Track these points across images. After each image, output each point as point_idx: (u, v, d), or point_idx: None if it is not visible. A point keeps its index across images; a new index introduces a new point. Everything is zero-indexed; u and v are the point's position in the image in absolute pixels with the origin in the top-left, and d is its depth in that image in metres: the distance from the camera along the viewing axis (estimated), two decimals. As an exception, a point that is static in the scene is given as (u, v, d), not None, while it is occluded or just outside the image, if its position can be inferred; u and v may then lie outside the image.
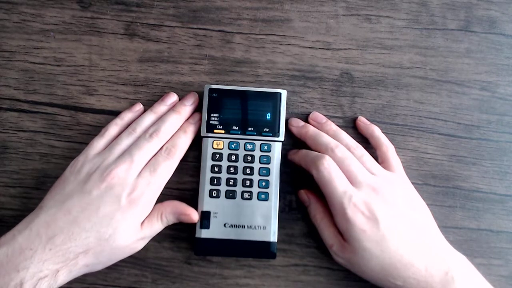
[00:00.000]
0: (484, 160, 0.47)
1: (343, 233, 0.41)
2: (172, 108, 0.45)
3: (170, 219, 0.43)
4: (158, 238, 0.45)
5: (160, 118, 0.45)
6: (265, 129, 0.44)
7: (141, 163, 0.42)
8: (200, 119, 0.45)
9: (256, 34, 0.49)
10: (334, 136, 0.45)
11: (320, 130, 0.45)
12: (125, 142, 0.43)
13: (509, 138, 0.48)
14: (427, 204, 0.43)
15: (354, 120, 0.47)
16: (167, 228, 0.45)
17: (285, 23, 0.49)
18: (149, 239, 0.43)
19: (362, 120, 0.47)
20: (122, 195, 0.40)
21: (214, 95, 0.45)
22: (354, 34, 0.49)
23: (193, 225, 0.43)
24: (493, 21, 0.49)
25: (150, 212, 0.42)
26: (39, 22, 0.48)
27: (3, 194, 0.46)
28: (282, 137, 0.45)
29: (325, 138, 0.44)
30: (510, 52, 0.49)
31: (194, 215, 0.43)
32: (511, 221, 0.47)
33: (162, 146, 0.43)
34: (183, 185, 0.46)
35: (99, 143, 0.43)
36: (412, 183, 0.45)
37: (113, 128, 0.44)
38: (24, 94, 0.47)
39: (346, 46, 0.49)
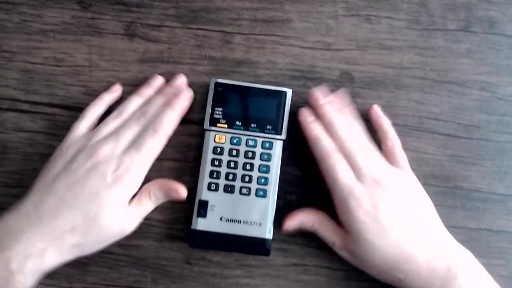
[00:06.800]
0: (484, 160, 0.47)
1: (345, 224, 0.41)
2: (161, 92, 0.45)
3: (158, 197, 0.43)
4: (158, 238, 0.45)
5: (149, 102, 0.45)
6: (268, 127, 0.45)
7: (126, 141, 0.42)
8: (190, 98, 0.45)
9: (256, 35, 0.49)
10: (347, 126, 0.44)
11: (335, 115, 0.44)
12: (111, 125, 0.43)
13: (509, 138, 0.48)
14: (427, 204, 0.43)
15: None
16: (167, 227, 0.45)
17: (285, 23, 0.49)
18: (140, 220, 0.42)
19: (375, 110, 0.46)
20: (107, 172, 0.40)
21: (220, 89, 0.45)
22: (354, 35, 0.49)
23: (191, 219, 0.43)
24: (493, 21, 0.50)
25: (139, 192, 0.42)
26: (39, 22, 0.48)
27: (3, 194, 0.46)
28: (284, 135, 0.45)
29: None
30: (510, 52, 0.49)
31: (182, 190, 0.43)
32: (511, 221, 0.47)
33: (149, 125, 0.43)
34: (185, 186, 0.46)
35: (81, 125, 0.44)
36: (413, 183, 0.45)
37: (92, 110, 0.45)
38: (24, 94, 0.47)
39: (346, 47, 0.49)
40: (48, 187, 0.39)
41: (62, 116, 0.47)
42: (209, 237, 0.43)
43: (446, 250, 0.40)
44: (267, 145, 0.44)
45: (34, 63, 0.48)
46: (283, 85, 0.48)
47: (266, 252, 0.43)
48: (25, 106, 0.47)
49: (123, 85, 0.47)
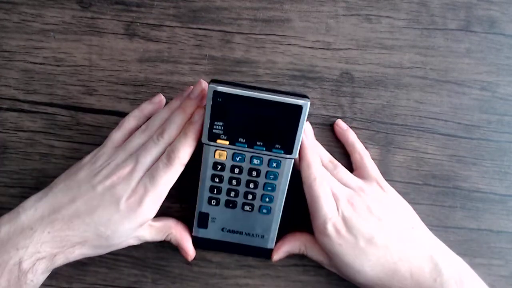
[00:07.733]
0: (484, 160, 0.47)
1: (324, 248, 0.42)
2: (181, 105, 0.43)
3: (171, 240, 0.43)
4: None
5: (168, 119, 0.42)
6: (277, 145, 0.38)
7: (145, 166, 0.40)
8: (203, 116, 0.39)
9: (256, 34, 0.49)
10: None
11: None
12: (137, 141, 0.42)
13: (509, 138, 0.48)
14: (427, 204, 0.43)
15: (354, 120, 0.47)
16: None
17: (285, 23, 0.49)
18: (144, 241, 0.43)
19: (339, 125, 0.47)
20: (122, 198, 0.39)
21: (219, 99, 0.37)
22: (354, 34, 0.49)
23: (190, 219, 0.43)
24: (493, 21, 0.49)
25: (163, 222, 0.43)
26: (39, 22, 0.48)
27: (3, 194, 0.46)
28: (295, 154, 0.39)
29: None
30: (510, 52, 0.49)
31: (190, 256, 0.43)
32: (511, 221, 0.47)
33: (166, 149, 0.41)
34: (183, 185, 0.46)
35: (116, 136, 0.43)
36: (412, 183, 0.45)
37: (130, 121, 0.44)
38: (24, 94, 0.47)
39: (346, 46, 0.49)
40: (68, 192, 0.39)
41: (62, 116, 0.47)
42: (210, 243, 0.43)
43: (431, 259, 0.40)
44: (274, 164, 0.39)
45: (34, 63, 0.48)
46: (283, 85, 0.47)
47: (268, 256, 0.43)
48: (25, 106, 0.47)
49: (122, 84, 0.47)
